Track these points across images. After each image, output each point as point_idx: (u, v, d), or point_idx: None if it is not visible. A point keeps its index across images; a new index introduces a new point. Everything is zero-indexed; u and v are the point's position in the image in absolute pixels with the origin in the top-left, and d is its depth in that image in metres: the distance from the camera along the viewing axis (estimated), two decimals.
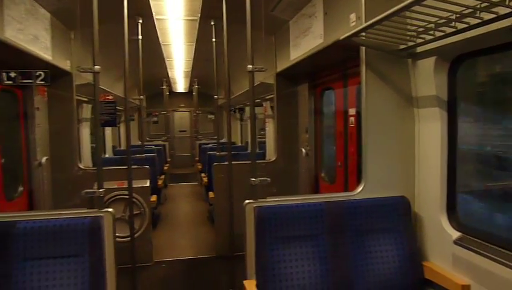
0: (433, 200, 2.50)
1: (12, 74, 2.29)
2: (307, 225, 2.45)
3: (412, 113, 2.65)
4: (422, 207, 2.61)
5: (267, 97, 6.17)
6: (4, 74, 2.28)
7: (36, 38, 3.46)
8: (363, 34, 2.43)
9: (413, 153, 2.65)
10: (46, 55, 3.71)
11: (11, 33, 2.97)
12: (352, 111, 4.00)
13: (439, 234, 2.43)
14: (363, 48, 2.62)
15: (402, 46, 2.52)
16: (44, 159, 4.25)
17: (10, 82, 2.31)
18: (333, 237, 2.46)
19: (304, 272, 2.37)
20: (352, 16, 2.74)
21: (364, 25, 2.27)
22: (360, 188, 2.66)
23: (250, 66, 2.77)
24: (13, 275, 2.13)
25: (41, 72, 2.35)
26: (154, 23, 4.90)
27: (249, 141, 9.80)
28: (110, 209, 2.43)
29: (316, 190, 4.96)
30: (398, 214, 2.55)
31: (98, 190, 2.52)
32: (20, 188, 4.17)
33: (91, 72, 2.53)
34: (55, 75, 3.09)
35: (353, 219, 2.51)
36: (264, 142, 6.86)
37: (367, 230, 2.51)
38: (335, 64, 4.16)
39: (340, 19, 2.96)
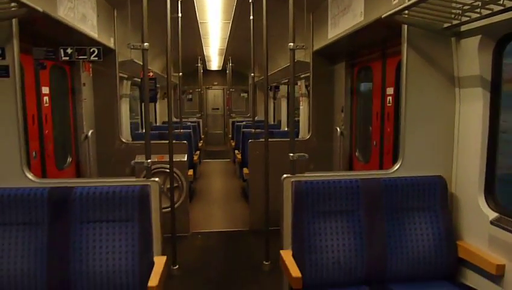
0: (471, 181, 2.50)
1: (69, 50, 2.45)
2: (343, 200, 2.52)
3: (453, 93, 2.63)
4: (460, 187, 2.61)
5: (303, 76, 6.17)
6: (62, 50, 2.44)
7: (84, 16, 3.63)
8: (406, 12, 2.41)
9: (452, 133, 2.64)
10: (93, 32, 3.88)
11: (63, 11, 3.14)
12: (390, 90, 3.97)
13: (476, 214, 2.44)
14: (405, 27, 2.60)
15: (446, 25, 2.48)
16: (90, 132, 4.50)
17: (67, 58, 2.47)
18: (369, 214, 2.52)
19: (339, 246, 2.46)
20: None
21: (408, 3, 2.26)
22: (396, 166, 2.69)
23: (292, 44, 2.81)
24: (71, 236, 2.34)
25: (95, 49, 2.50)
26: (193, 0, 4.97)
27: (282, 119, 9.87)
28: (156, 179, 2.59)
29: (349, 169, 4.99)
30: (435, 194, 2.57)
31: (146, 160, 2.68)
32: (69, 159, 4.46)
33: (140, 49, 2.66)
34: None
35: (389, 196, 2.55)
36: (298, 121, 6.89)
37: (403, 208, 2.55)
38: (374, 43, 4.11)
39: None
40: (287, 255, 2.50)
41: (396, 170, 2.68)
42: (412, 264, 2.49)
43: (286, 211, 2.61)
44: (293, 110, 2.98)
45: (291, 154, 2.76)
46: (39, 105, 3.77)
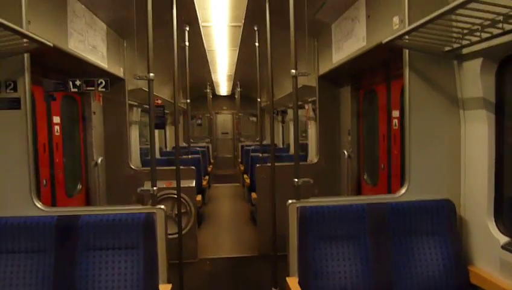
0: (479, 204, 2.46)
1: (78, 82, 2.53)
2: (349, 225, 2.49)
3: (457, 115, 2.62)
4: (468, 211, 2.57)
5: (310, 100, 6.22)
6: (70, 82, 2.53)
7: (94, 48, 3.76)
8: (407, 36, 2.44)
9: (459, 155, 2.62)
10: (103, 63, 4.00)
11: (73, 44, 3.26)
12: (395, 113, 3.97)
13: (486, 238, 2.39)
14: (406, 50, 2.63)
15: (447, 48, 2.50)
16: (99, 160, 4.57)
17: (75, 89, 2.55)
18: (375, 238, 2.49)
19: (346, 272, 2.42)
20: (396, 19, 2.76)
21: (408, 28, 2.29)
22: (403, 190, 2.66)
23: (294, 70, 2.86)
24: (77, 263, 2.35)
25: (102, 80, 2.58)
26: (200, 30, 5.11)
27: (291, 143, 9.89)
28: (162, 206, 2.60)
29: (358, 193, 4.95)
30: (443, 217, 2.53)
31: (152, 188, 2.71)
32: (79, 186, 4.51)
33: (146, 79, 2.73)
34: (110, 82, 3.33)
35: (396, 220, 2.52)
36: (306, 144, 6.90)
37: (410, 232, 2.51)
38: (378, 67, 4.15)
39: (383, 22, 2.98)
40: (293, 282, 2.46)
41: (403, 194, 2.65)
42: None
43: (292, 237, 2.59)
44: (297, 135, 3.00)
45: (296, 180, 2.76)
46: (50, 134, 3.86)
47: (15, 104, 2.42)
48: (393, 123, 4.01)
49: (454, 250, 2.48)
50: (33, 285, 2.28)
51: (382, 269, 2.43)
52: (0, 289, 2.26)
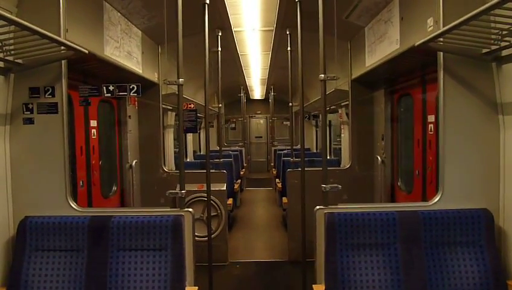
0: None
1: (111, 88, 2.63)
2: (378, 233, 2.42)
3: (496, 121, 2.48)
4: (508, 222, 2.42)
5: (343, 104, 6.12)
6: (104, 87, 2.63)
7: (129, 54, 3.88)
8: (441, 39, 2.35)
9: (497, 162, 2.48)
10: (138, 68, 4.13)
11: (109, 51, 3.39)
12: (431, 118, 3.83)
13: None
14: (440, 53, 2.53)
15: (485, 50, 2.39)
16: (134, 162, 4.71)
17: (109, 94, 2.65)
18: (407, 248, 2.40)
19: (375, 281, 2.35)
20: (430, 21, 2.66)
21: (442, 29, 2.21)
22: (436, 199, 2.56)
23: (322, 75, 2.82)
24: (108, 263, 2.43)
25: (134, 85, 2.66)
26: (232, 35, 5.16)
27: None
28: (190, 209, 2.64)
29: (391, 199, 4.80)
30: (480, 228, 2.40)
31: (180, 191, 2.76)
32: (114, 188, 4.67)
33: (176, 84, 2.79)
34: (145, 87, 3.44)
35: (429, 230, 2.42)
36: (340, 149, 6.79)
37: (443, 243, 2.40)
38: (413, 70, 4.02)
39: (417, 24, 2.89)
40: None
41: (436, 202, 2.54)
42: None
43: (319, 244, 2.55)
44: (325, 140, 2.95)
45: (324, 186, 2.71)
46: (87, 137, 4.02)
47: (53, 108, 2.55)
48: (429, 128, 3.87)
49: (492, 263, 2.35)
50: (66, 282, 2.38)
51: (413, 280, 2.34)
52: (36, 284, 2.37)
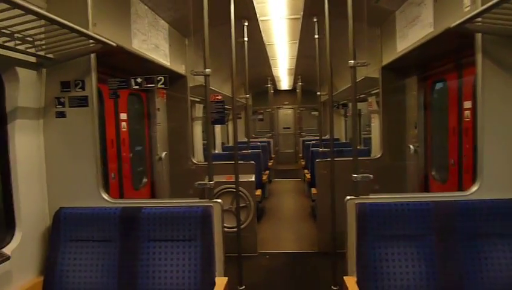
0: None
1: (139, 80, 2.66)
2: (412, 224, 2.34)
3: None
4: None
5: (373, 92, 5.95)
6: (132, 80, 2.66)
7: (157, 47, 3.91)
8: (479, 19, 2.22)
9: None
10: (165, 61, 4.15)
11: (137, 44, 3.42)
12: (467, 104, 3.65)
13: None
14: (479, 35, 2.39)
15: None
16: (163, 154, 4.77)
17: (137, 87, 2.68)
18: (442, 239, 2.30)
19: (408, 273, 2.27)
20: (466, 0, 2.52)
21: (480, 9, 2.08)
22: (474, 188, 2.44)
23: (352, 61, 2.74)
24: (139, 253, 2.47)
25: (162, 77, 2.67)
26: (258, 24, 5.11)
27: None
28: (219, 200, 2.64)
29: (425, 189, 4.64)
30: None
31: (209, 182, 2.76)
32: (145, 179, 4.76)
33: (202, 74, 2.78)
34: (172, 79, 3.45)
35: (466, 220, 2.31)
36: (370, 139, 6.64)
37: (482, 234, 2.29)
38: (448, 54, 3.84)
39: (452, 4, 2.74)
40: (350, 282, 2.37)
41: (474, 191, 2.43)
42: None
43: (350, 235, 2.49)
44: (355, 129, 2.88)
45: (355, 175, 2.64)
46: (118, 130, 4.10)
47: (83, 102, 2.60)
48: (465, 115, 3.69)
49: None
50: (99, 272, 2.44)
51: (449, 273, 2.25)
52: (71, 274, 2.45)
